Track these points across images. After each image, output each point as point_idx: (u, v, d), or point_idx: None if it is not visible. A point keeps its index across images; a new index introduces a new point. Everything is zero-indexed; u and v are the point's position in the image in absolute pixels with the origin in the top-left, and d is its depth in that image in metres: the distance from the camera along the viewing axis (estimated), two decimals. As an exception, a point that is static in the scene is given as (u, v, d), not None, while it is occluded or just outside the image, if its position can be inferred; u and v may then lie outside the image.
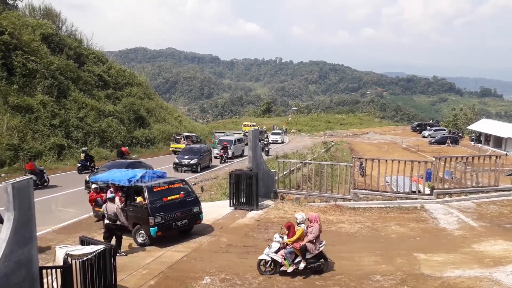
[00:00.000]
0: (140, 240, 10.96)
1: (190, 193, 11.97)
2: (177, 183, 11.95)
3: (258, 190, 14.65)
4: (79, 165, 21.66)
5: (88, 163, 21.75)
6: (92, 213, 13.29)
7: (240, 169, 17.13)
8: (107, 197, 10.65)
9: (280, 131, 50.74)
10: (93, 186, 12.82)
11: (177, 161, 24.11)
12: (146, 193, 10.84)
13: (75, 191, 17.43)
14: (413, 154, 41.02)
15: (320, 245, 8.89)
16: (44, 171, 18.84)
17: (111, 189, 11.66)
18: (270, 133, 46.36)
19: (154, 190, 11.12)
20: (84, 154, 22.26)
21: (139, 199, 11.10)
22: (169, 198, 11.21)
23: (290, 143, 46.39)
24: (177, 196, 11.45)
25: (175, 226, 11.08)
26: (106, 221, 10.14)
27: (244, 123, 65.16)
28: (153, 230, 10.49)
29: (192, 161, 23.77)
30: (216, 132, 52.29)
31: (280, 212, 14.20)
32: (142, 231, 10.89)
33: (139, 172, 12.07)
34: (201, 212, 11.86)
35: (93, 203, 12.67)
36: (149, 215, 10.53)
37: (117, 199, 11.28)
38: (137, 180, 11.46)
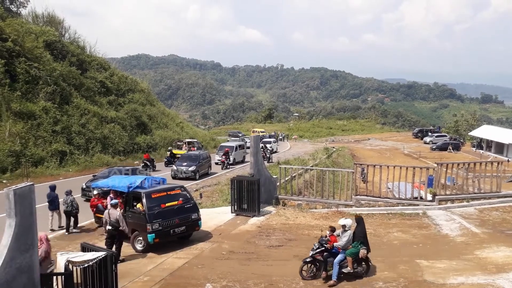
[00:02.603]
0: (138, 246, 10.91)
1: (189, 199, 11.92)
2: (176, 190, 11.90)
3: (260, 196, 14.62)
4: (166, 160, 29.27)
5: (172, 159, 28.17)
6: (93, 219, 13.27)
7: (241, 175, 17.12)
8: (110, 203, 10.63)
9: (271, 139, 44.08)
10: (95, 192, 12.78)
11: (175, 168, 23.73)
12: (144, 200, 10.80)
13: (77, 197, 17.35)
14: (414, 160, 40.98)
15: (50, 266, 7.91)
16: (154, 160, 27.49)
17: (111, 195, 11.64)
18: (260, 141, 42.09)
19: (152, 196, 11.07)
20: (169, 152, 30.00)
21: (139, 205, 11.06)
22: (167, 204, 11.14)
23: (291, 149, 46.40)
24: (176, 202, 11.39)
25: (173, 233, 11.02)
26: (108, 227, 10.12)
27: (253, 129, 65.35)
28: (150, 237, 10.44)
29: (190, 168, 23.30)
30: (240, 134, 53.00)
31: (282, 219, 14.17)
32: (140, 238, 10.85)
33: (139, 178, 12.01)
34: (199, 219, 11.81)
35: (94, 209, 12.64)
36: (147, 221, 10.49)
37: None
38: (137, 186, 11.44)
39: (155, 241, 10.53)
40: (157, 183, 12.09)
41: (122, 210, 11.13)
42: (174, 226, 11.02)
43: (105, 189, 12.49)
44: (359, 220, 9.25)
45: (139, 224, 10.77)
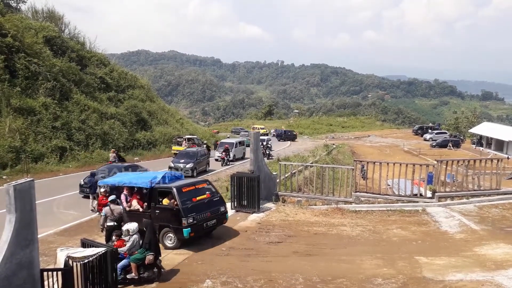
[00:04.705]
0: (168, 243, 10.70)
1: (215, 193, 11.90)
2: (202, 184, 11.85)
3: (260, 193, 14.63)
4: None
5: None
6: (93, 215, 13.28)
7: (241, 172, 17.11)
8: (110, 199, 10.55)
9: (265, 137, 37.04)
10: (102, 189, 12.38)
11: (172, 165, 22.99)
12: (176, 194, 10.61)
13: (76, 193, 17.39)
14: (414, 157, 40.99)
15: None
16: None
17: (125, 192, 11.50)
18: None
19: (183, 190, 10.90)
20: (205, 145, 30.34)
21: (165, 201, 10.89)
22: (198, 198, 11.07)
23: (291, 146, 46.42)
24: (205, 196, 11.32)
25: (205, 227, 10.94)
26: (109, 223, 10.12)
27: (253, 126, 65.45)
28: (186, 231, 10.28)
29: (187, 166, 22.67)
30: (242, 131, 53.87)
31: (282, 215, 14.19)
32: (171, 234, 10.65)
33: (159, 174, 11.83)
34: (227, 212, 11.81)
35: (102, 208, 12.10)
36: (182, 216, 10.32)
37: (134, 201, 11.19)
38: (158, 182, 11.23)
39: (191, 235, 10.38)
40: (176, 178, 11.92)
41: (145, 207, 11.07)
42: (206, 220, 10.94)
43: (110, 185, 12.19)
44: (147, 225, 8.99)
45: (170, 219, 10.56)
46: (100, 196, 12.47)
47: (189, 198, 10.85)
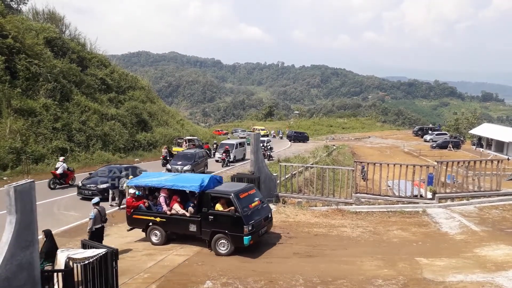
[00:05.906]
0: (222, 250, 10.47)
1: (263, 199, 11.81)
2: (252, 190, 11.64)
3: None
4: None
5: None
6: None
7: (242, 173, 17.11)
8: (93, 202, 10.25)
9: (264, 138, 36.04)
10: (131, 190, 11.90)
11: (169, 167, 22.65)
12: (236, 201, 10.36)
13: (73, 195, 17.35)
14: (415, 158, 40.99)
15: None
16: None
17: (163, 194, 11.22)
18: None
19: (241, 197, 10.67)
20: (215, 145, 33.73)
21: (217, 206, 10.65)
22: (253, 205, 10.90)
23: (291, 147, 46.41)
24: (257, 202, 11.14)
25: (260, 234, 10.83)
26: (99, 225, 10.07)
27: (254, 127, 65.54)
28: (247, 239, 10.08)
29: (185, 168, 22.20)
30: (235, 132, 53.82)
31: (282, 216, 14.20)
32: (224, 241, 10.43)
33: (206, 177, 11.36)
34: (272, 218, 11.75)
35: (132, 210, 11.49)
36: (244, 223, 10.09)
37: (176, 205, 11.01)
38: (207, 186, 10.88)
39: (251, 243, 10.24)
40: (218, 182, 11.65)
41: (190, 212, 10.86)
42: (261, 227, 10.81)
43: (147, 187, 11.79)
44: (46, 233, 8.37)
45: (228, 226, 10.31)
46: (128, 197, 11.93)
47: (246, 205, 10.64)
